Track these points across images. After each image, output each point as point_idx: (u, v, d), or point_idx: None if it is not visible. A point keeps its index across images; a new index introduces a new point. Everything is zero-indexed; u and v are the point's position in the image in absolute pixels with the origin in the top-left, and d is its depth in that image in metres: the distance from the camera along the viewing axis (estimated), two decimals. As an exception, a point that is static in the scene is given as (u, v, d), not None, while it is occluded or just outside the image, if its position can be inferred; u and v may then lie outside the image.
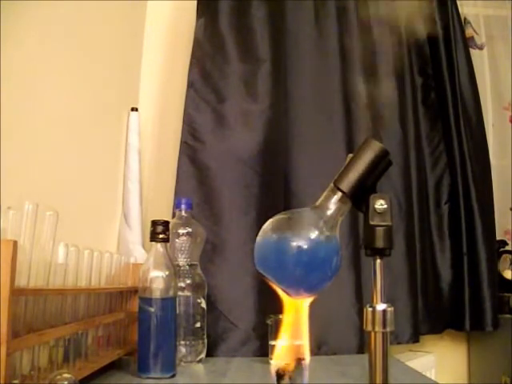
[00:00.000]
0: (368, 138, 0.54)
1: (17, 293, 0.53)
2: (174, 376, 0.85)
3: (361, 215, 0.55)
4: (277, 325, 0.90)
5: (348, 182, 0.53)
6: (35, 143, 0.84)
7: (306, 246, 0.51)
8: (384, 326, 0.52)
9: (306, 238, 0.52)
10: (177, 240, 1.01)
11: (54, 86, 0.90)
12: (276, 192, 1.24)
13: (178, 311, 0.90)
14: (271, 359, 0.94)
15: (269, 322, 0.95)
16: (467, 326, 1.44)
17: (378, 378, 0.52)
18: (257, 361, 1.03)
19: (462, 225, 1.48)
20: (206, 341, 1.01)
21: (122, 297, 0.93)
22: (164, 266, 0.86)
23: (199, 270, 1.03)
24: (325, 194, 0.55)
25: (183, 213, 1.04)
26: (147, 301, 0.84)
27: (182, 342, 0.97)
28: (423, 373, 1.05)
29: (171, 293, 0.86)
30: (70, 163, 0.96)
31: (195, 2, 1.29)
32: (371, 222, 0.52)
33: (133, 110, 1.27)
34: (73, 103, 0.97)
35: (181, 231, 1.01)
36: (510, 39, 1.80)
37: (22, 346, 0.55)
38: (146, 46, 1.40)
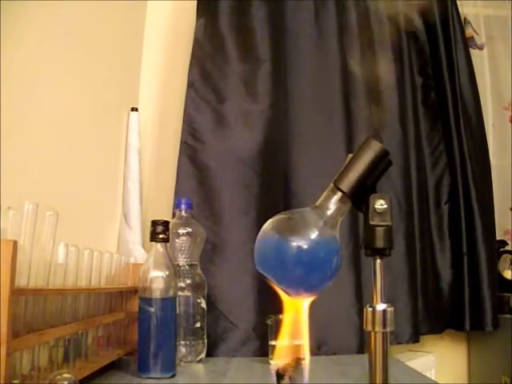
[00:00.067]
0: (368, 138, 0.54)
1: (17, 293, 0.53)
2: (174, 376, 0.85)
3: (361, 215, 0.55)
4: (277, 325, 0.90)
5: (348, 182, 0.53)
6: (35, 143, 0.84)
7: (306, 246, 0.51)
8: (384, 325, 0.52)
9: (306, 238, 0.52)
10: (177, 240, 1.01)
11: (54, 86, 0.90)
12: (276, 192, 1.24)
13: (178, 311, 0.90)
14: (271, 359, 0.94)
15: (269, 322, 0.95)
16: (467, 326, 1.44)
17: (378, 378, 0.52)
18: (257, 361, 1.03)
19: (462, 225, 1.48)
20: (205, 341, 1.01)
21: (122, 297, 0.93)
22: (164, 266, 0.86)
23: (199, 270, 1.03)
24: (325, 194, 0.55)
25: (183, 213, 1.04)
26: (147, 301, 0.84)
27: (182, 342, 0.97)
28: (423, 373, 1.05)
29: (171, 293, 0.86)
30: (70, 163, 0.96)
31: (195, 2, 1.29)
32: (371, 222, 0.52)
33: (133, 109, 1.27)
34: (73, 103, 0.97)
35: (181, 231, 1.01)
36: (510, 39, 1.80)
37: (22, 346, 0.55)
38: (146, 46, 1.40)
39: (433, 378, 1.36)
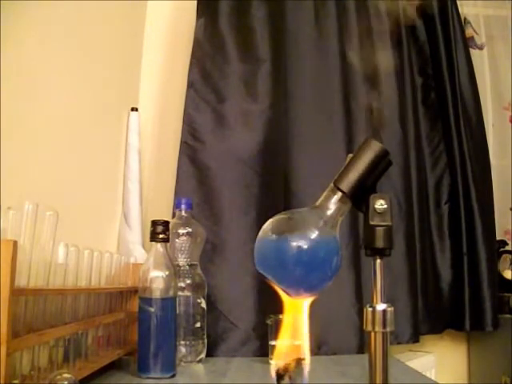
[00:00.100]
0: (368, 138, 0.54)
1: (17, 293, 0.53)
2: (174, 376, 0.85)
3: (361, 215, 0.55)
4: (277, 325, 0.90)
5: (348, 182, 0.53)
6: (35, 143, 0.84)
7: (306, 246, 0.51)
8: (384, 325, 0.52)
9: (306, 238, 0.52)
10: (177, 240, 1.01)
11: (53, 86, 0.90)
12: (276, 192, 1.24)
13: (178, 311, 0.90)
14: (271, 359, 0.94)
15: (269, 322, 0.95)
16: (467, 326, 1.44)
17: (378, 378, 0.52)
18: (257, 361, 1.03)
19: (462, 225, 1.48)
20: (205, 341, 1.01)
21: (122, 297, 0.93)
22: (164, 266, 0.86)
23: (199, 270, 1.03)
24: (325, 194, 0.55)
25: (183, 213, 1.04)
26: (147, 301, 0.84)
27: (182, 342, 0.97)
28: (423, 373, 1.05)
29: (171, 293, 0.86)
30: (70, 163, 0.96)
31: (195, 2, 1.29)
32: (371, 222, 0.52)
33: (133, 109, 1.27)
34: (73, 103, 0.97)
35: (181, 231, 1.01)
36: (510, 39, 1.80)
37: (22, 346, 0.55)
38: (146, 46, 1.40)
39: (433, 377, 1.36)
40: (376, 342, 0.52)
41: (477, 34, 1.82)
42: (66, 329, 0.67)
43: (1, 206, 0.55)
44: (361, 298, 1.21)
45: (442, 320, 1.47)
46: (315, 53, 1.36)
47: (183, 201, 1.05)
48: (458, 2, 1.61)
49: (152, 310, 0.83)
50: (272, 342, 0.95)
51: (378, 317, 0.52)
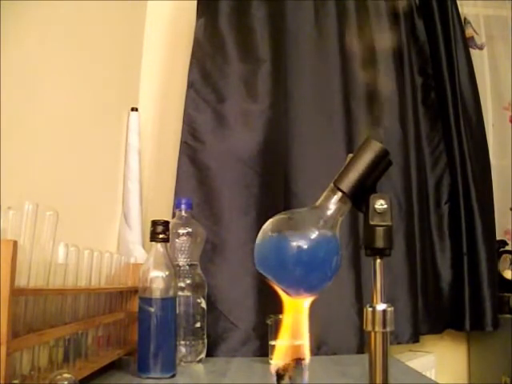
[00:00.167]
0: (368, 138, 0.54)
1: (17, 293, 0.53)
2: (174, 376, 0.85)
3: (361, 215, 0.55)
4: (277, 325, 0.90)
5: (348, 182, 0.53)
6: (35, 143, 0.84)
7: (305, 246, 0.51)
8: (384, 326, 0.52)
9: (306, 238, 0.52)
10: (177, 240, 1.01)
11: (54, 86, 0.90)
12: (276, 192, 1.24)
13: (178, 311, 0.90)
14: (271, 359, 0.94)
15: (269, 321, 0.95)
16: (467, 326, 1.44)
17: (378, 378, 0.52)
18: (257, 361, 1.03)
19: (462, 225, 1.48)
20: (205, 341, 1.01)
21: (122, 297, 0.93)
22: (164, 266, 0.86)
23: (199, 270, 1.03)
24: (325, 194, 0.55)
25: (183, 213, 1.04)
26: (147, 301, 0.84)
27: (182, 342, 0.97)
28: (423, 373, 1.05)
29: (171, 293, 0.86)
30: (70, 163, 0.96)
31: (195, 2, 1.29)
32: (371, 222, 0.52)
33: (133, 110, 1.27)
34: (73, 103, 0.97)
35: (181, 231, 1.01)
36: (510, 39, 1.80)
37: (22, 346, 0.55)
38: (146, 46, 1.40)
39: (433, 378, 1.36)
40: (376, 341, 0.52)
41: (477, 33, 1.82)
42: (66, 329, 0.67)
43: (1, 205, 0.55)
44: (361, 298, 1.21)
45: (442, 320, 1.47)
46: (315, 53, 1.36)
47: (183, 201, 1.05)
48: (458, 2, 1.62)
49: (152, 309, 0.83)
50: (272, 342, 0.95)
51: (378, 317, 0.52)
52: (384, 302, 0.53)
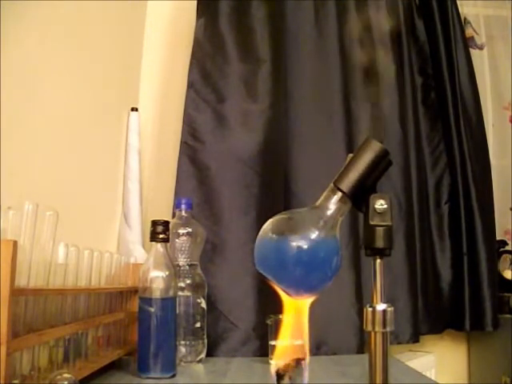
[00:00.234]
0: (368, 138, 0.54)
1: (17, 293, 0.53)
2: (174, 376, 0.85)
3: (361, 215, 0.55)
4: (277, 325, 0.90)
5: (348, 182, 0.53)
6: (35, 143, 0.84)
7: (305, 246, 0.51)
8: (384, 326, 0.52)
9: (306, 238, 0.52)
10: (177, 240, 1.01)
11: (54, 86, 0.90)
12: (276, 192, 1.24)
13: (178, 311, 0.90)
14: (271, 359, 0.94)
15: (269, 322, 0.95)
16: (467, 326, 1.44)
17: (378, 378, 0.52)
18: (257, 361, 1.03)
19: (462, 225, 1.48)
20: (205, 341, 1.01)
21: (122, 297, 0.93)
22: (164, 266, 0.86)
23: (199, 270, 1.03)
24: (325, 194, 0.55)
25: (183, 213, 1.04)
26: (147, 301, 0.84)
27: (182, 342, 0.97)
28: (423, 373, 1.05)
29: (171, 293, 0.86)
30: (70, 163, 0.96)
31: (195, 2, 1.29)
32: (371, 222, 0.52)
33: (133, 110, 1.27)
34: (73, 103, 0.97)
35: (181, 231, 1.01)
36: (510, 39, 1.80)
37: (22, 346, 0.55)
38: (146, 46, 1.40)
39: (433, 378, 1.36)
40: (376, 341, 0.52)
41: (477, 33, 1.82)
42: (66, 329, 0.67)
43: (1, 205, 0.55)
44: (361, 298, 1.21)
45: (442, 320, 1.47)
46: (315, 53, 1.36)
47: (183, 201, 1.05)
48: (458, 2, 1.61)
49: (152, 309, 0.83)
50: (272, 342, 0.95)
51: (378, 317, 0.52)
52: (384, 302, 0.53)
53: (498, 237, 1.55)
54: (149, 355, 0.83)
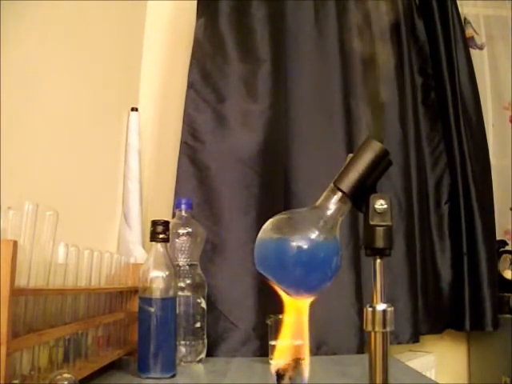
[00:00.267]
0: (368, 138, 0.54)
1: (17, 293, 0.53)
2: (174, 376, 0.85)
3: (361, 215, 0.55)
4: (277, 325, 0.90)
5: (348, 182, 0.53)
6: (35, 143, 0.84)
7: (305, 246, 0.51)
8: (384, 326, 0.52)
9: (306, 238, 0.52)
10: (177, 240, 1.01)
11: (54, 86, 0.90)
12: (276, 192, 1.24)
13: (178, 311, 0.90)
14: (271, 359, 0.94)
15: (269, 322, 0.95)
16: (467, 326, 1.44)
17: (378, 378, 0.52)
18: (257, 361, 1.03)
19: (462, 225, 1.48)
20: (205, 341, 1.01)
21: (122, 297, 0.93)
22: (164, 266, 0.86)
23: (199, 270, 1.03)
24: (325, 194, 0.55)
25: (183, 213, 1.04)
26: (147, 301, 0.84)
27: (182, 342, 0.97)
28: (423, 373, 1.05)
29: (171, 293, 0.86)
30: (70, 163, 0.96)
31: (195, 2, 1.29)
32: (371, 222, 0.52)
33: (133, 109, 1.27)
34: (73, 103, 0.97)
35: (181, 231, 1.01)
36: (510, 39, 1.80)
37: (22, 346, 0.55)
38: (146, 46, 1.40)
39: (433, 378, 1.36)
40: (376, 341, 0.52)
41: (477, 33, 1.82)
42: (66, 329, 0.67)
43: (1, 205, 0.55)
44: (361, 298, 1.21)
45: (442, 320, 1.47)
46: (315, 53, 1.36)
47: (183, 201, 1.05)
48: (458, 2, 1.61)
49: (152, 310, 0.83)
50: (272, 342, 0.95)
51: (378, 317, 0.52)
52: (384, 302, 0.53)
53: (498, 237, 1.55)
54: (149, 355, 0.83)
